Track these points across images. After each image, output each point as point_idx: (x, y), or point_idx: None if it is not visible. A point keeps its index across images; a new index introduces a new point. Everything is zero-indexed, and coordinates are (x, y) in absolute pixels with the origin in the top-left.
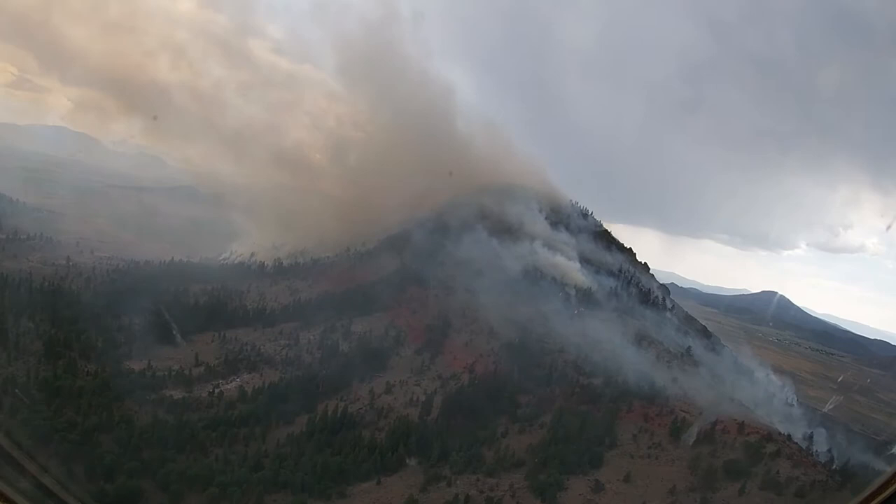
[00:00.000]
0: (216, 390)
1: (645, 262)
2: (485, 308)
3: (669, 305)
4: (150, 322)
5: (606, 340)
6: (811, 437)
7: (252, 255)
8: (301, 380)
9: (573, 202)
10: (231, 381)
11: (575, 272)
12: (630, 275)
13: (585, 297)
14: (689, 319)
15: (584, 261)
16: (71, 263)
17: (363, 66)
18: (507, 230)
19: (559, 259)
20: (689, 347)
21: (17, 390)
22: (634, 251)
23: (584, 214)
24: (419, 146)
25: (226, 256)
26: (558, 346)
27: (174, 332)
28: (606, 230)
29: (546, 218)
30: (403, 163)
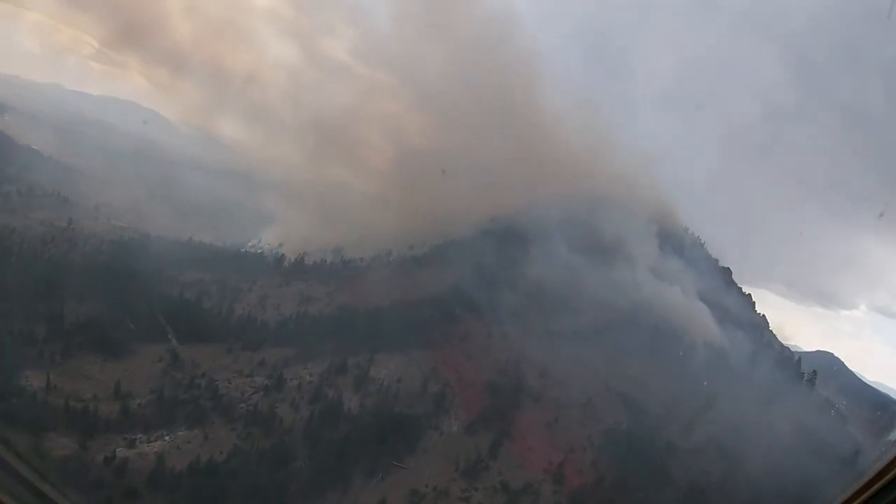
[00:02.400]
0: (117, 456)
1: (763, 315)
2: (575, 363)
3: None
4: (94, 315)
5: (765, 439)
6: None
7: (279, 245)
8: (265, 459)
9: (685, 227)
10: (153, 440)
11: (704, 320)
12: (763, 332)
13: (718, 361)
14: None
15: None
16: (72, 227)
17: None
18: (600, 248)
19: (676, 297)
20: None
21: None
22: (754, 298)
23: (698, 243)
24: (489, 132)
25: (253, 244)
26: (693, 442)
27: (117, 339)
28: (728, 268)
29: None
30: (468, 150)
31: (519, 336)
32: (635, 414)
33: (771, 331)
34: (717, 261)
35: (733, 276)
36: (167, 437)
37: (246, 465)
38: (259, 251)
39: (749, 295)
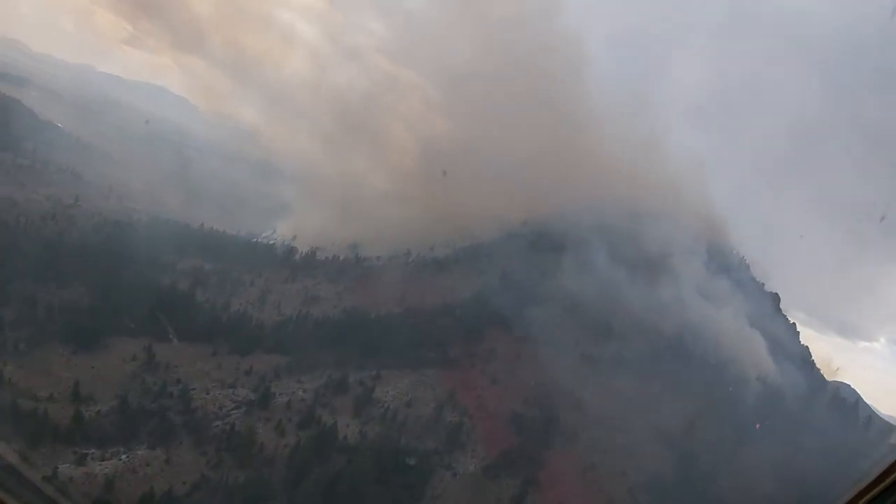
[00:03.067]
0: (58, 475)
1: (806, 347)
2: (616, 396)
3: None
4: (72, 301)
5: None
6: None
7: (293, 237)
8: (236, 496)
9: (732, 247)
10: (107, 458)
11: (757, 351)
12: (812, 368)
13: (773, 399)
14: None
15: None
16: (79, 204)
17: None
18: (643, 262)
19: (726, 322)
20: None
21: None
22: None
23: (744, 263)
24: (522, 127)
25: (267, 235)
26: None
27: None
28: (776, 294)
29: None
30: (498, 146)
31: (551, 359)
32: (683, 461)
33: (818, 367)
34: (763, 284)
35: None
36: (123, 457)
37: (211, 501)
38: (271, 242)
39: (794, 324)
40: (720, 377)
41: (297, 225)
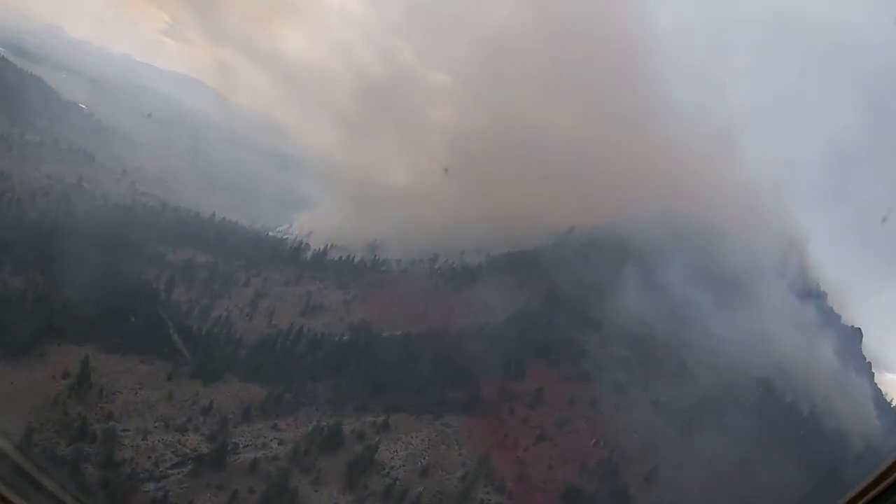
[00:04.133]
0: None
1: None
2: (697, 460)
3: None
4: (18, 294)
5: None
6: None
7: (309, 233)
8: None
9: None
10: None
11: (858, 401)
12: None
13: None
14: None
15: None
16: (82, 185)
17: None
18: (719, 284)
19: (821, 363)
20: None
21: None
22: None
23: (822, 293)
24: (570, 121)
25: (283, 229)
26: None
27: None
28: (859, 329)
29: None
30: (543, 141)
31: (615, 407)
32: None
33: None
34: (839, 317)
35: None
36: None
37: None
38: (284, 237)
39: (869, 363)
40: (816, 432)
41: (315, 220)
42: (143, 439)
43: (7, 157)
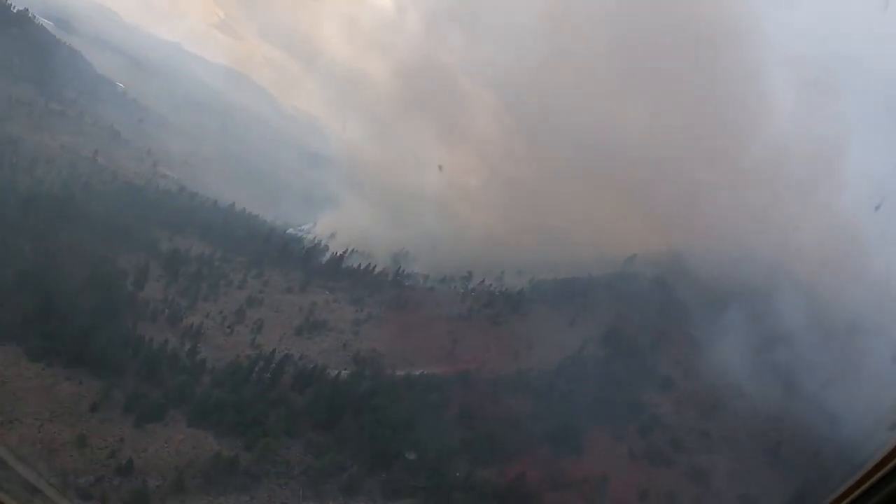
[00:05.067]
0: None
1: None
2: None
3: None
4: None
5: None
6: None
7: (331, 235)
8: None
9: None
10: None
11: None
12: None
13: None
14: None
15: None
16: (95, 157)
17: None
18: (833, 329)
19: None
20: None
21: None
22: None
23: None
24: (638, 120)
25: (306, 227)
26: None
27: None
28: None
29: None
30: (604, 142)
31: (692, 501)
32: None
33: None
34: None
35: None
36: None
37: None
38: (303, 235)
39: None
40: None
41: (340, 221)
42: None
43: (24, 123)
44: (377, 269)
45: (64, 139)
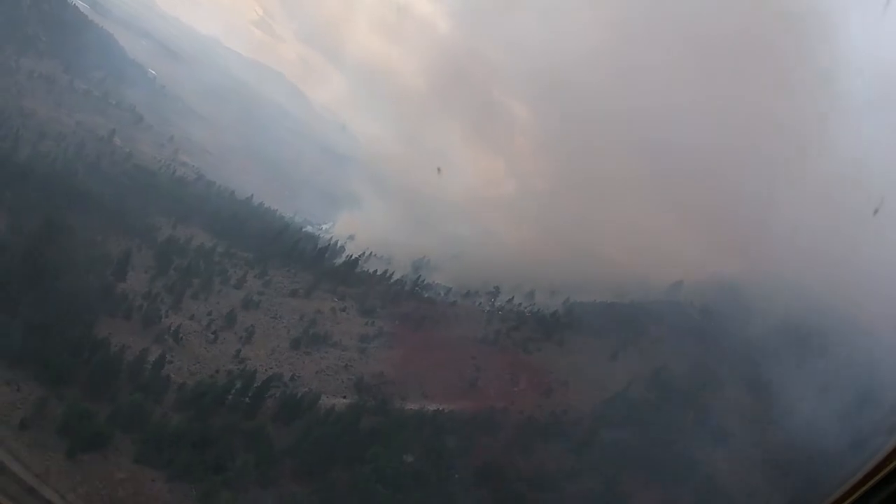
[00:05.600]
0: None
1: None
2: None
3: None
4: None
5: None
6: None
7: (350, 236)
8: None
9: None
10: None
11: None
12: None
13: None
14: None
15: None
16: (111, 138)
17: None
18: None
19: None
20: None
21: None
22: None
23: None
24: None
25: (326, 227)
26: None
27: None
28: None
29: None
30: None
31: None
32: None
33: None
34: None
35: None
36: None
37: None
38: (319, 234)
39: None
40: None
41: (361, 222)
42: None
43: (41, 98)
44: (394, 277)
45: (81, 117)
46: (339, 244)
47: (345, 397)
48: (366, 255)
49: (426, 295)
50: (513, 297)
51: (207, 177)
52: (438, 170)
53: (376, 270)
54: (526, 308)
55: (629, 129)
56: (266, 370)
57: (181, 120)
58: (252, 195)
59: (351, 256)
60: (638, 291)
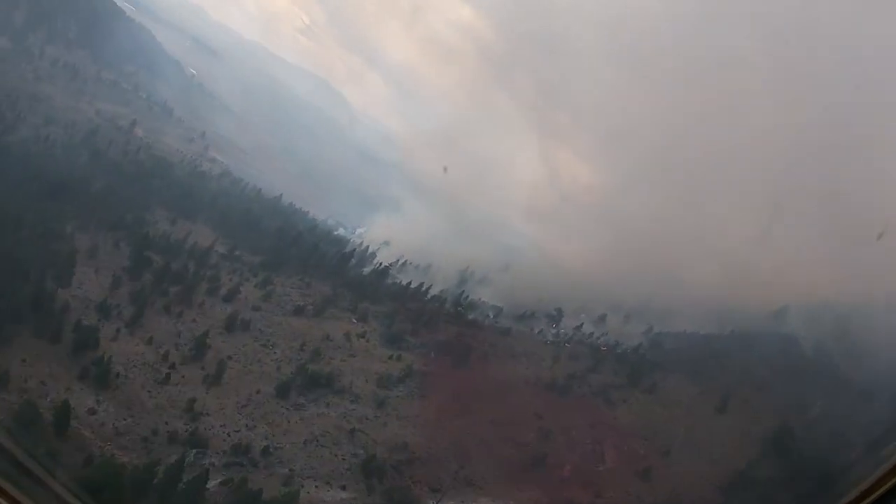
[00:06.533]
0: None
1: None
2: None
3: None
4: None
5: None
6: None
7: (385, 243)
8: None
9: None
10: None
11: None
12: None
13: None
14: None
15: None
16: (132, 127)
17: None
18: None
19: None
20: None
21: None
22: None
23: None
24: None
25: (359, 232)
26: None
27: None
28: None
29: None
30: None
31: None
32: None
33: None
34: None
35: None
36: None
37: None
38: (350, 237)
39: None
40: None
41: (398, 227)
42: None
43: (62, 86)
44: (432, 291)
45: (103, 106)
46: (369, 250)
47: (344, 487)
48: (399, 263)
49: (470, 316)
50: (581, 324)
51: (235, 174)
52: (445, 169)
53: (410, 283)
54: (599, 338)
55: (717, 114)
56: (227, 436)
57: (217, 117)
58: (281, 195)
59: (380, 265)
60: (734, 319)
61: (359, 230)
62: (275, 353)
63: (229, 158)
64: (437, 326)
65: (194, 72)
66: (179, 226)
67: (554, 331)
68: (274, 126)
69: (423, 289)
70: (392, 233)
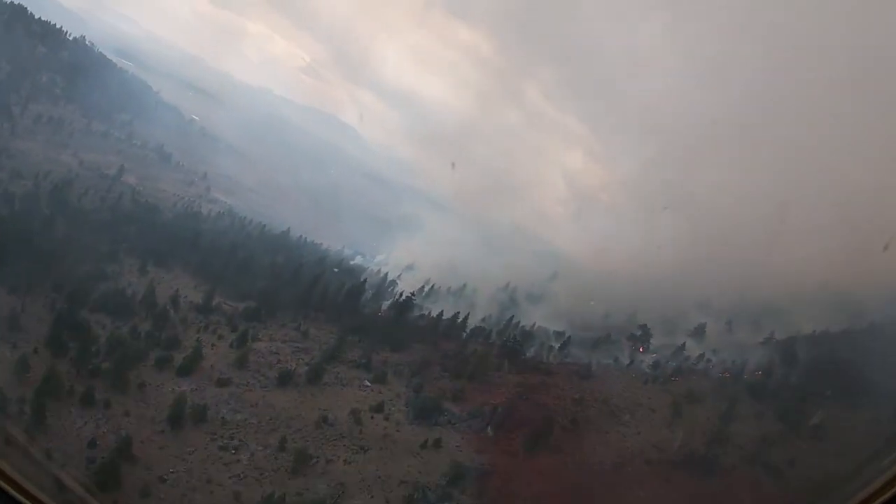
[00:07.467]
0: None
1: None
2: None
3: None
4: None
5: None
6: None
7: (407, 267)
8: None
9: None
10: None
11: None
12: None
13: None
14: None
15: None
16: (119, 176)
17: None
18: None
19: None
20: None
21: None
22: None
23: None
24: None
25: (379, 259)
26: None
27: None
28: None
29: None
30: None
31: None
32: None
33: None
34: None
35: None
36: None
37: None
38: (369, 266)
39: None
40: None
41: (423, 248)
42: None
43: (43, 141)
44: (471, 320)
45: (89, 157)
46: (388, 278)
47: None
48: (427, 289)
49: (529, 352)
50: (684, 343)
51: (239, 213)
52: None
53: (442, 313)
54: (709, 360)
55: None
56: None
57: (220, 158)
58: (289, 228)
59: (401, 295)
60: (862, 306)
61: (378, 257)
62: (239, 460)
63: (233, 198)
64: (488, 378)
65: (195, 117)
66: (149, 276)
67: (643, 356)
68: (282, 162)
69: (460, 319)
70: (415, 256)
